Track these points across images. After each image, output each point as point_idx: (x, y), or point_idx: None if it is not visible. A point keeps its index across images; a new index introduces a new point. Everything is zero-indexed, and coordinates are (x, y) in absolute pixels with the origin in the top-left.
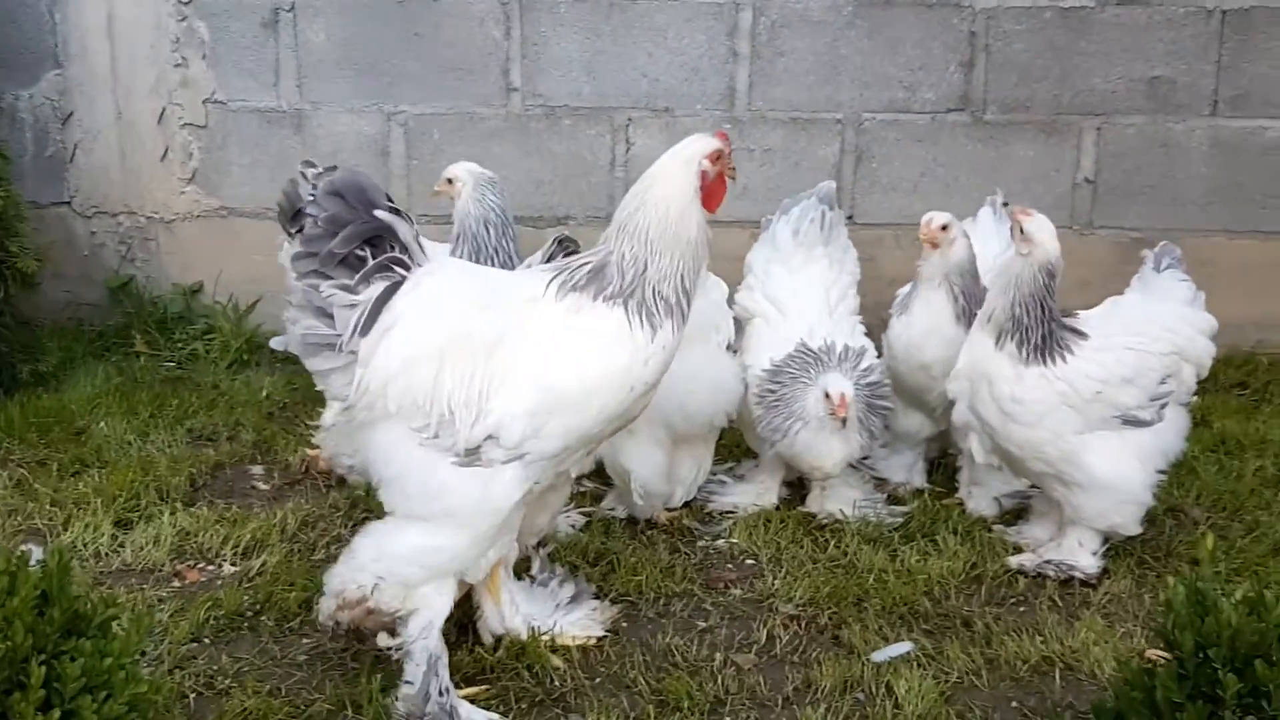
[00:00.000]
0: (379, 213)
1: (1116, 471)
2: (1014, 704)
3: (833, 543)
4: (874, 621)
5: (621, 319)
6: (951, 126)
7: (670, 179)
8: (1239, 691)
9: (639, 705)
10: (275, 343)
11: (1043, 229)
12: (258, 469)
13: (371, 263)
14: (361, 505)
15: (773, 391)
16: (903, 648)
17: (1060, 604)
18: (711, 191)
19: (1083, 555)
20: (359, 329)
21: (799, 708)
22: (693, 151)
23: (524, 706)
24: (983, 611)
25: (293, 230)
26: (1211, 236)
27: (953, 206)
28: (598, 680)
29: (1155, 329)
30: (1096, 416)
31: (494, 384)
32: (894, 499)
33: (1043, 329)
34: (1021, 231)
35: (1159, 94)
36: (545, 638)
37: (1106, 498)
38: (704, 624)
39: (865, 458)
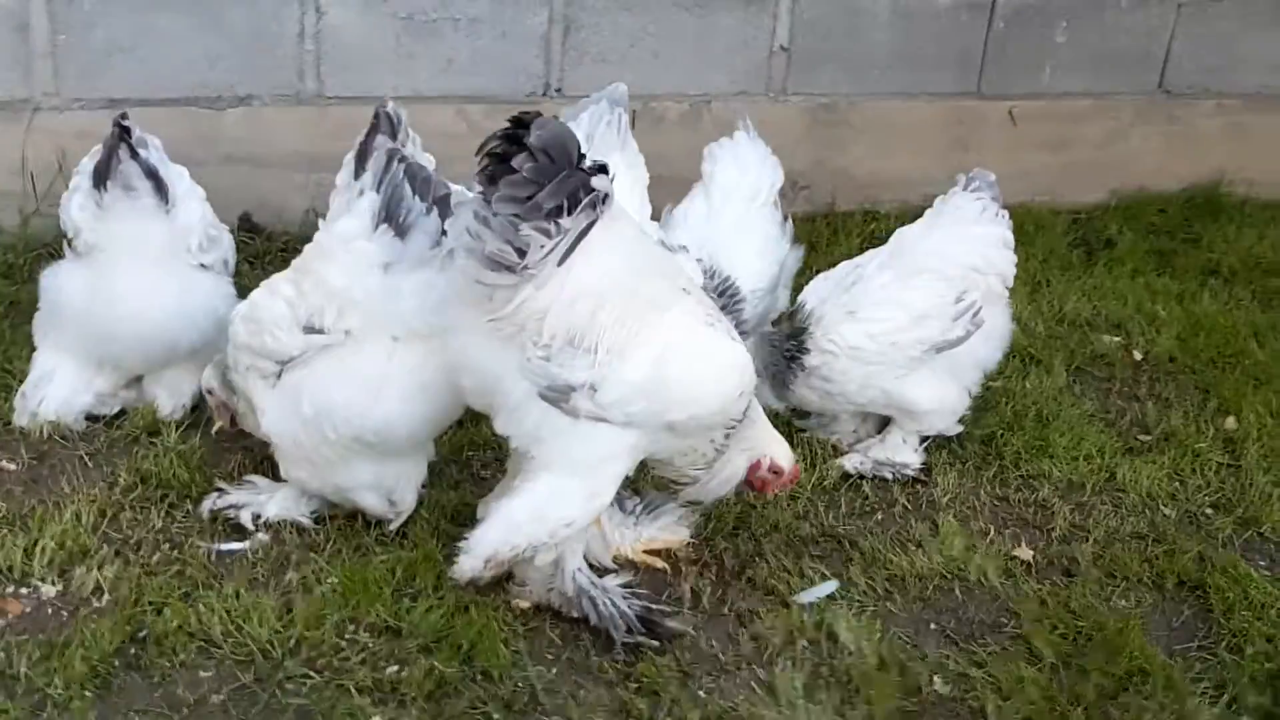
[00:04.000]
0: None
1: (937, 396)
2: (933, 626)
3: None
4: (773, 557)
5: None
6: None
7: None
8: None
9: (615, 695)
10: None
11: None
12: None
13: (582, 200)
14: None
15: None
16: (828, 587)
17: (913, 508)
18: (756, 483)
19: (908, 452)
20: (557, 258)
21: (758, 668)
22: (764, 453)
23: None
24: (856, 527)
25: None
26: (891, 100)
27: (662, 78)
28: (556, 671)
29: (936, 261)
30: (904, 359)
31: (628, 345)
32: None
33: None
34: None
35: None
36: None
37: (931, 418)
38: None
39: None
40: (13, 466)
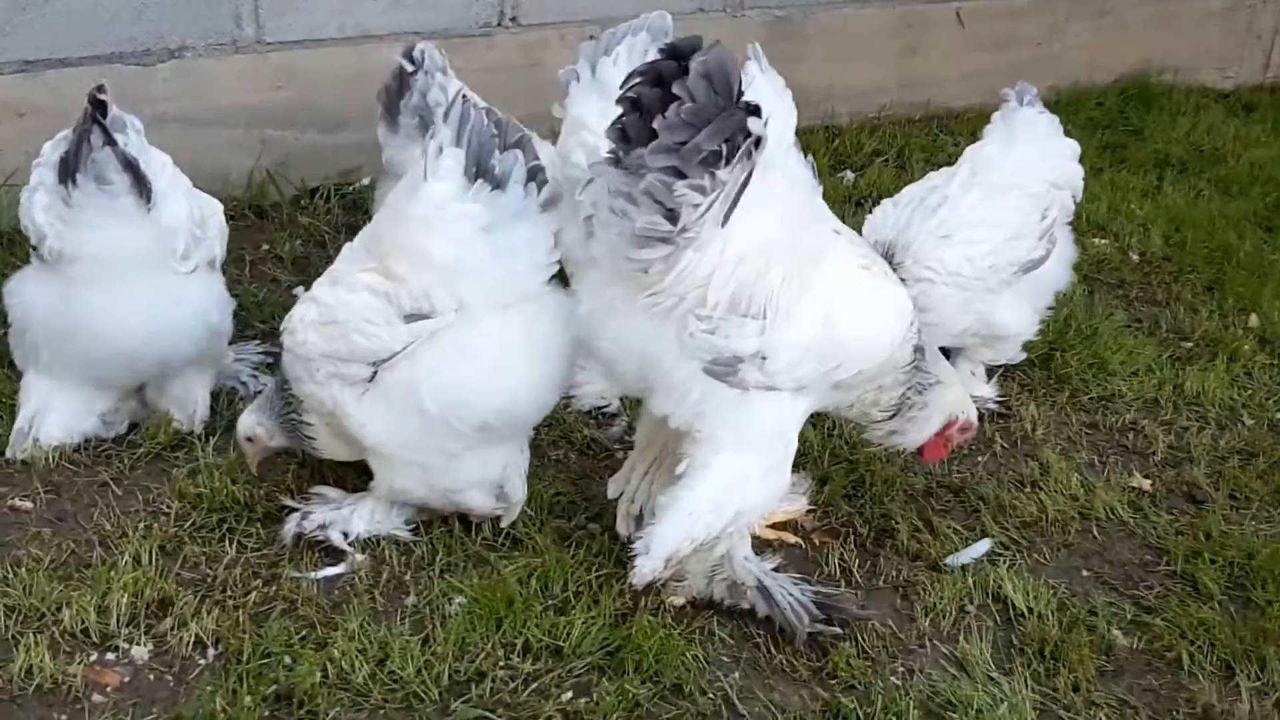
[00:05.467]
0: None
1: (1019, 320)
2: (1085, 573)
3: None
4: (902, 517)
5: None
6: None
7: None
8: None
9: (816, 694)
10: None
11: None
12: None
13: (739, 149)
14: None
15: None
16: (982, 546)
17: (1010, 446)
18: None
19: (979, 384)
20: (717, 217)
21: (940, 643)
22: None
23: None
24: (966, 474)
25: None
26: (844, 8)
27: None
28: (739, 674)
29: (1026, 178)
30: (996, 281)
31: (793, 305)
32: None
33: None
34: None
35: None
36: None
37: (1011, 344)
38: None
39: None
40: (29, 504)
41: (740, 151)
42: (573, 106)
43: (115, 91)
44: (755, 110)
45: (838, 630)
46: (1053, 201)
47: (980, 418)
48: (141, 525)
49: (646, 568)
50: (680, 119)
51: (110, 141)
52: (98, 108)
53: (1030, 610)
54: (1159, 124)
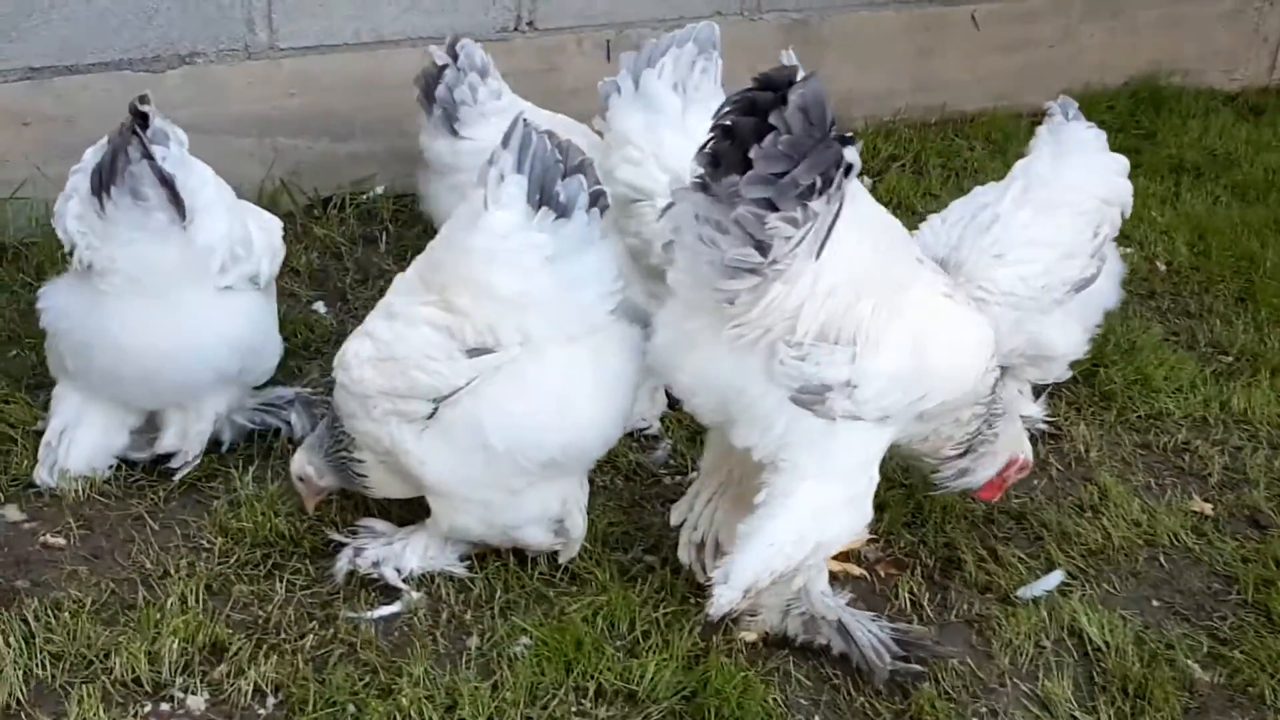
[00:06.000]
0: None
1: (1069, 341)
2: (1155, 603)
3: None
4: (965, 546)
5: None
6: None
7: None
8: None
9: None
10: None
11: None
12: (19, 514)
13: (834, 181)
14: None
15: None
16: (1054, 579)
17: (1065, 469)
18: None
19: (1027, 404)
20: (810, 250)
21: (1021, 681)
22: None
23: None
24: (1025, 500)
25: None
26: (860, 11)
27: (637, 3)
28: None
29: (1078, 195)
30: (1049, 301)
31: (882, 334)
32: None
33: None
34: None
35: None
36: None
37: (1059, 364)
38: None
39: None
40: (61, 541)
41: (834, 184)
42: (616, 120)
43: (123, 100)
44: (849, 141)
45: (919, 669)
46: (1104, 218)
47: (1031, 439)
48: (184, 563)
49: (725, 598)
50: (778, 150)
51: (148, 155)
52: (139, 119)
53: (1108, 645)
54: (1170, 127)
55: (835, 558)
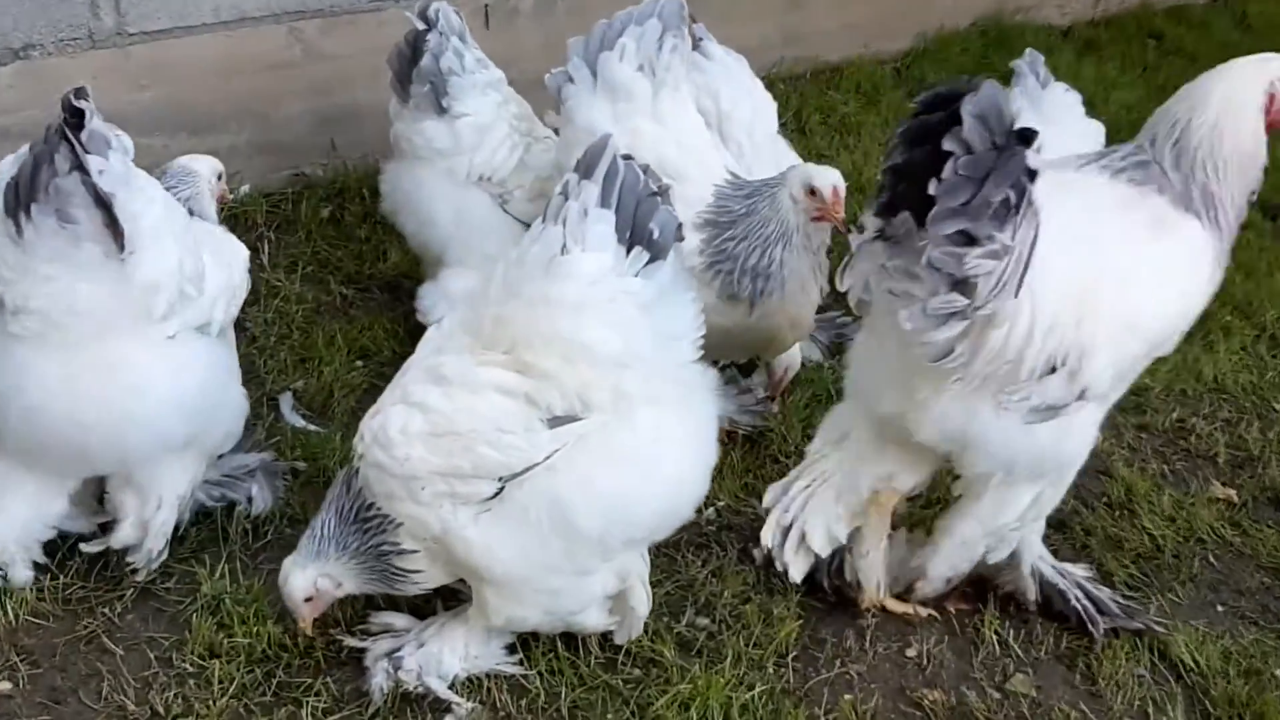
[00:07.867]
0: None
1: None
2: (1220, 608)
3: None
4: None
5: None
6: None
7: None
8: None
9: None
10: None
11: None
12: None
13: (1026, 193)
14: None
15: (723, 251)
16: None
17: None
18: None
19: None
20: (1013, 288)
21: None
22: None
23: None
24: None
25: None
26: None
27: None
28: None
29: None
30: None
31: (1101, 331)
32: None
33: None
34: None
35: None
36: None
37: None
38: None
39: None
40: (6, 686)
41: (1025, 202)
42: (577, 114)
43: None
44: (1029, 137)
45: (1138, 626)
46: None
47: None
48: (174, 697)
49: (928, 590)
50: (958, 175)
51: (80, 167)
52: (74, 117)
53: (1198, 665)
54: None
55: (898, 598)
